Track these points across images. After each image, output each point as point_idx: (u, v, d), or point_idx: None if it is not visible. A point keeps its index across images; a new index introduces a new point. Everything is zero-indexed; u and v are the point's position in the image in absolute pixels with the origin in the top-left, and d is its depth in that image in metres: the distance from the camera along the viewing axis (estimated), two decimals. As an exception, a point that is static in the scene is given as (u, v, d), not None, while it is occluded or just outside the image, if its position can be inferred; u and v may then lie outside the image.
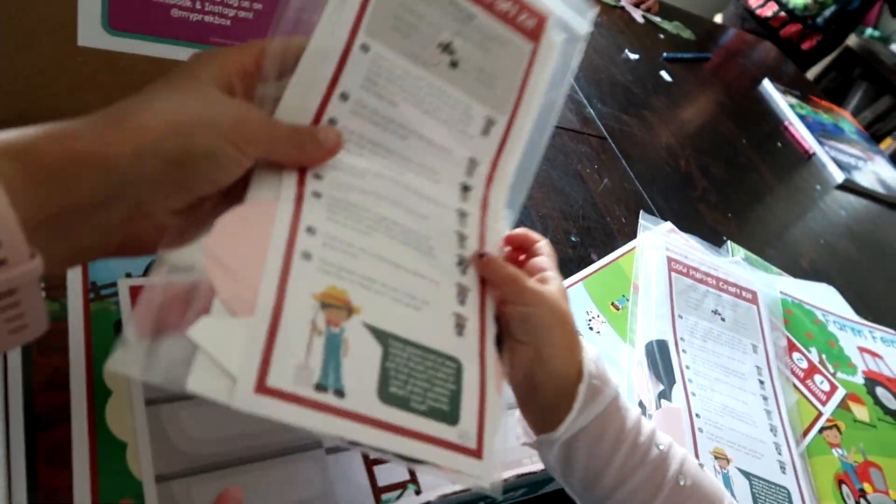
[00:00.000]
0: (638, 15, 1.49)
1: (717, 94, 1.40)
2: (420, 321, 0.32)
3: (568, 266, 0.72)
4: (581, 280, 0.70)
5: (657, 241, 0.77)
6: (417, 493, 0.41)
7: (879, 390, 0.77)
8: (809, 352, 0.77)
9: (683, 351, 0.66)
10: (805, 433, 0.67)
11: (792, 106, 1.47)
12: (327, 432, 0.27)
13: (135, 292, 0.42)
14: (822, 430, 0.68)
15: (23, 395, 0.36)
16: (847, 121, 1.62)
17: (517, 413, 0.39)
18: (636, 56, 1.30)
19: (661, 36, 1.48)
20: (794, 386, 0.71)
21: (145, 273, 0.44)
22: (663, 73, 1.31)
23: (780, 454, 0.62)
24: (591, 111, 1.04)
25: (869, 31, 2.78)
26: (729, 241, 0.91)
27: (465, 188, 0.37)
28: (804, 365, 0.74)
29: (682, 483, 0.37)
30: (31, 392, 0.36)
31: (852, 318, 0.88)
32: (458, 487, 0.41)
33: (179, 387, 0.24)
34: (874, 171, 1.43)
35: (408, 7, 0.34)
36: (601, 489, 0.36)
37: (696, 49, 1.51)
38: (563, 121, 0.96)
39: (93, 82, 0.46)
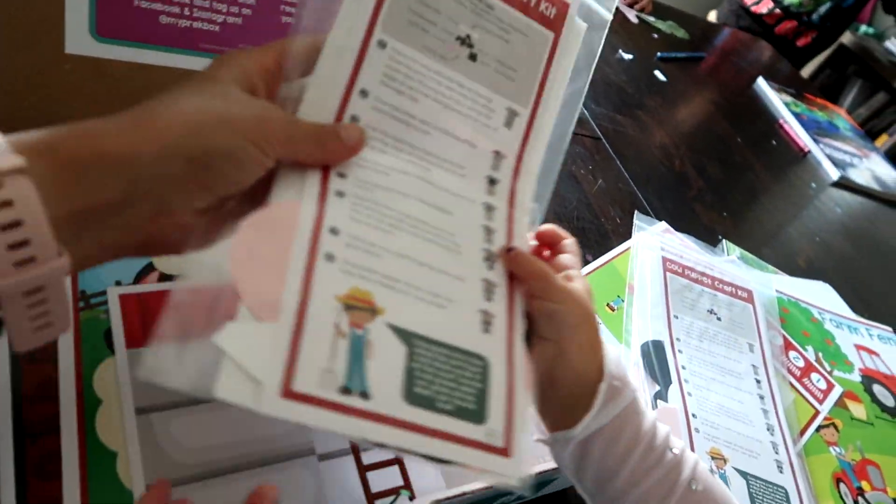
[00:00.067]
0: (632, 15, 1.49)
1: (712, 93, 1.40)
2: (446, 319, 0.32)
3: (563, 267, 0.72)
4: (576, 281, 0.70)
5: (652, 242, 0.77)
6: (411, 498, 0.41)
7: (876, 388, 0.77)
8: (806, 350, 0.77)
9: (679, 351, 0.66)
10: (802, 432, 0.66)
11: (787, 104, 1.47)
12: (353, 435, 0.27)
13: (125, 301, 0.42)
14: (819, 428, 0.68)
15: (12, 405, 0.36)
16: (842, 118, 1.62)
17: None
18: (630, 56, 1.30)
19: (655, 35, 1.48)
20: (791, 385, 0.71)
21: (135, 281, 0.43)
22: (657, 73, 1.31)
23: (777, 453, 0.62)
24: (585, 111, 1.04)
25: (863, 27, 2.78)
26: (724, 241, 0.91)
27: (492, 181, 0.37)
28: (801, 363, 0.74)
29: (694, 488, 0.37)
30: (20, 402, 0.36)
31: (849, 315, 0.88)
32: (452, 493, 0.41)
33: (207, 393, 0.25)
34: (869, 169, 1.43)
35: (424, 1, 0.34)
36: (613, 490, 0.36)
37: (691, 48, 1.51)
38: (557, 122, 0.96)
39: (81, 90, 0.46)
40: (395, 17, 0.33)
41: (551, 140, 0.38)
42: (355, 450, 0.42)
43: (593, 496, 0.38)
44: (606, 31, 0.40)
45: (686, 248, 0.80)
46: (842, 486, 0.63)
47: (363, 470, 0.41)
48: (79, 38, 0.44)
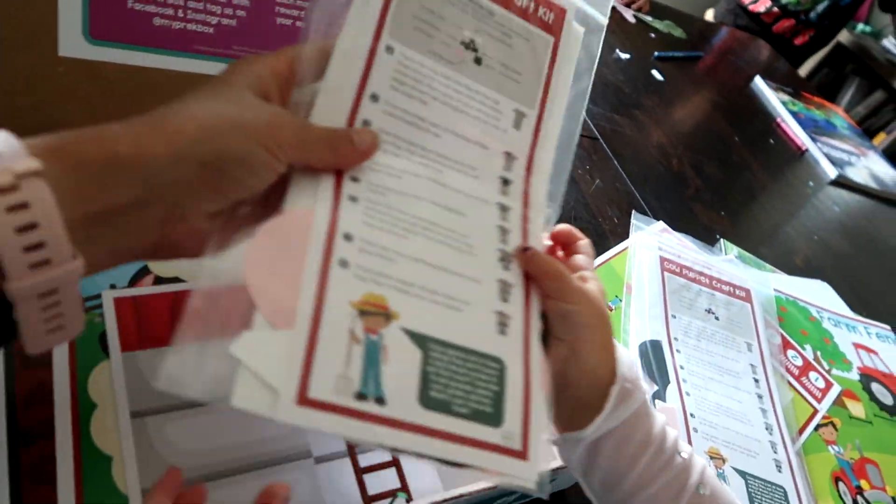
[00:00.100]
0: (629, 14, 1.49)
1: (709, 92, 1.40)
2: (461, 322, 0.32)
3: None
4: (573, 281, 0.70)
5: (650, 241, 0.77)
6: (408, 500, 0.41)
7: (875, 386, 0.77)
8: (804, 349, 0.77)
9: (677, 351, 0.66)
10: (801, 431, 0.66)
11: (784, 103, 1.47)
12: (369, 441, 0.27)
13: (119, 304, 0.42)
14: (817, 427, 0.68)
15: (6, 410, 0.35)
16: (839, 117, 1.62)
17: None
18: (627, 56, 1.30)
19: (653, 35, 1.48)
20: (789, 384, 0.71)
21: (130, 284, 0.43)
22: (655, 73, 1.31)
23: (775, 453, 0.62)
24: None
25: (860, 26, 2.78)
26: (722, 240, 0.91)
27: (505, 181, 0.37)
28: (799, 362, 0.74)
29: (701, 492, 0.37)
30: (14, 406, 0.36)
31: (847, 314, 0.88)
32: (448, 495, 0.41)
33: (224, 402, 0.25)
34: (867, 167, 1.43)
35: (427, 8, 0.35)
36: (621, 492, 0.36)
37: (688, 48, 1.51)
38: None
39: (75, 92, 0.46)
40: (400, 24, 0.34)
41: (560, 140, 0.39)
42: (352, 452, 0.42)
43: (601, 498, 0.38)
44: (604, 34, 0.41)
45: (684, 247, 0.80)
46: (840, 484, 0.63)
47: (360, 472, 0.41)
48: (72, 41, 0.43)
